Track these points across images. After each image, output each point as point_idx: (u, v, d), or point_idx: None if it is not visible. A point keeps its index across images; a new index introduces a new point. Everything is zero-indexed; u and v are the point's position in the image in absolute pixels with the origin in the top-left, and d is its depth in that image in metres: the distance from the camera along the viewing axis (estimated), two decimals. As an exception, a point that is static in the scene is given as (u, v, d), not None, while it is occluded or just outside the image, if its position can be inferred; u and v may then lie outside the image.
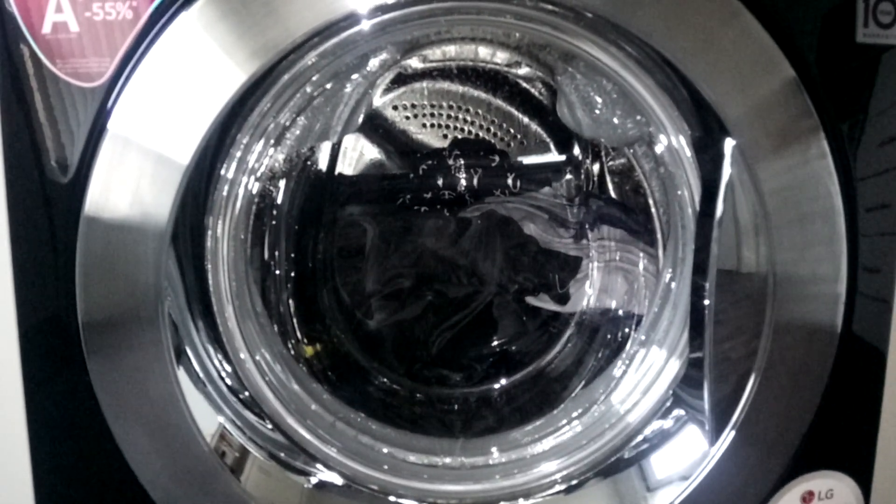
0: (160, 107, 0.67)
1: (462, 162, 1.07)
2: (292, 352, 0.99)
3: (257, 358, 0.87)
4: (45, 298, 0.70)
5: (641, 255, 1.01)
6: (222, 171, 0.81)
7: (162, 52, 0.66)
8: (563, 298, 1.07)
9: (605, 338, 1.05)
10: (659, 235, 0.98)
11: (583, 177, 1.08)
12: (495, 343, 1.11)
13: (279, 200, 1.00)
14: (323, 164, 1.05)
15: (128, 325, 0.71)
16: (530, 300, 1.08)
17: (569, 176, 1.09)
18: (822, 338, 0.77)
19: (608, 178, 1.06)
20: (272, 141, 0.88)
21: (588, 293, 1.06)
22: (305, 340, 1.04)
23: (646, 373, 0.92)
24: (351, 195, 1.07)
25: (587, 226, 1.06)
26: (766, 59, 0.70)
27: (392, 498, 0.86)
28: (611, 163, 1.05)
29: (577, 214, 1.08)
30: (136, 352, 0.71)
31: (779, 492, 0.82)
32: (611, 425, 0.90)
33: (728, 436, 0.79)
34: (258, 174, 0.88)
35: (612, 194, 1.05)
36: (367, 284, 1.08)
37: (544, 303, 1.08)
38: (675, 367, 0.88)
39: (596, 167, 1.07)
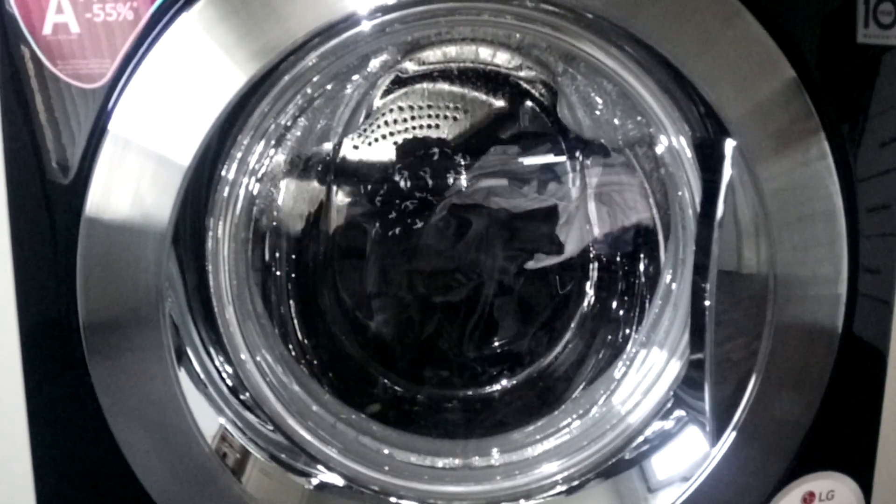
0: (161, 108, 0.67)
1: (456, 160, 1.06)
2: (293, 353, 0.99)
3: (258, 359, 0.87)
4: (46, 299, 0.70)
5: (619, 170, 0.99)
6: (223, 172, 0.81)
7: (162, 53, 0.66)
8: (560, 248, 1.05)
9: (606, 339, 1.05)
10: (660, 236, 0.98)
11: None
12: (496, 344, 1.11)
13: (280, 201, 1.00)
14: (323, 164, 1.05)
15: (129, 326, 0.71)
16: (531, 265, 1.06)
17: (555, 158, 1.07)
18: (823, 338, 0.77)
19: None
20: (273, 142, 0.88)
21: (578, 231, 1.04)
22: (306, 341, 1.04)
23: (646, 374, 0.92)
24: (351, 195, 1.07)
25: (577, 162, 1.04)
26: (767, 59, 0.70)
27: (393, 499, 0.86)
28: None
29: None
30: (137, 353, 0.71)
31: (780, 493, 0.82)
32: (612, 426, 0.90)
33: (729, 437, 0.79)
34: (259, 175, 0.88)
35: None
36: (367, 285, 1.08)
37: (545, 260, 1.06)
38: (675, 368, 0.88)
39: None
